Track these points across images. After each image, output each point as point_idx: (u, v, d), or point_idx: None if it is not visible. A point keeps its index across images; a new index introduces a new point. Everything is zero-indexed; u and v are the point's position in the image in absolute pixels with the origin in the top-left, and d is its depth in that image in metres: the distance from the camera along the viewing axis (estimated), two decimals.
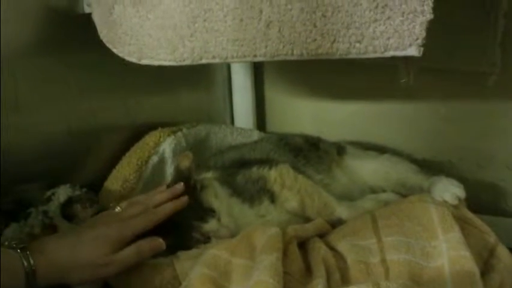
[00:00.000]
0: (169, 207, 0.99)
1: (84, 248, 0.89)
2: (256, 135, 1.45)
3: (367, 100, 1.42)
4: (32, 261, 0.83)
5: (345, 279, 0.91)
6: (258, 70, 1.53)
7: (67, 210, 1.06)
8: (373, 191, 1.23)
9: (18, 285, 0.82)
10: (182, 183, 1.02)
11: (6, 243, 0.86)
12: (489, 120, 1.27)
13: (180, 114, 1.42)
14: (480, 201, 1.25)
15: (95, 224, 0.96)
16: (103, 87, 1.23)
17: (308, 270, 0.93)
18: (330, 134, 1.38)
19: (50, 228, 1.02)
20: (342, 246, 0.97)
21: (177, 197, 1.01)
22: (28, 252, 0.84)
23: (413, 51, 0.81)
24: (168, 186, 1.05)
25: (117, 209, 1.01)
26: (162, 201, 1.00)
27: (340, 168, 1.25)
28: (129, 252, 0.91)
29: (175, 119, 1.35)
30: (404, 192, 1.18)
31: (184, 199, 1.00)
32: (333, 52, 0.86)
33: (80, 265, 0.88)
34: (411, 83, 1.29)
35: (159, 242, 0.95)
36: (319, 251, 0.96)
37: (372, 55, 0.84)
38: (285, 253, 0.92)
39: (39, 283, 0.84)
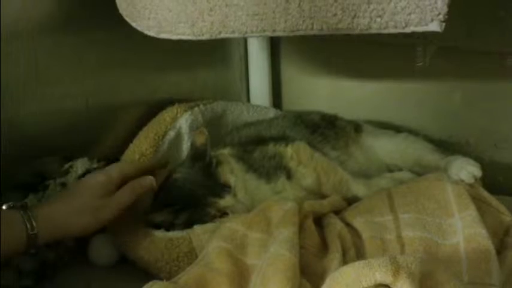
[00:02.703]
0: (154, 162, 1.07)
1: (76, 195, 0.93)
2: (272, 113, 1.44)
3: (384, 79, 1.41)
4: (32, 220, 0.85)
5: (361, 254, 0.92)
6: (275, 48, 1.52)
7: None
8: (390, 169, 1.23)
9: (21, 245, 0.84)
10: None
11: (5, 206, 0.88)
12: (508, 101, 1.25)
13: (197, 91, 1.43)
14: (497, 182, 1.25)
15: (85, 178, 1.00)
16: (121, 63, 1.24)
17: (324, 245, 0.93)
18: (347, 113, 1.37)
19: None
20: (358, 223, 0.97)
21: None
22: (29, 212, 0.86)
23: (435, 26, 0.80)
24: (184, 162, 1.06)
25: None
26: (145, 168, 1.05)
27: (356, 146, 1.25)
28: (122, 192, 0.96)
29: (192, 96, 1.36)
30: (420, 171, 1.18)
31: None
32: (353, 27, 0.86)
33: (76, 212, 0.90)
34: (428, 64, 1.29)
35: (150, 179, 0.99)
36: (335, 226, 0.96)
37: (392, 30, 0.83)
38: (301, 228, 0.92)
39: (41, 240, 0.86)
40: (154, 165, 1.08)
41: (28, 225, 0.84)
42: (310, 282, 0.81)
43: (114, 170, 0.98)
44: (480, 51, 1.22)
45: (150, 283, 0.80)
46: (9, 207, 0.88)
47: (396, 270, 0.65)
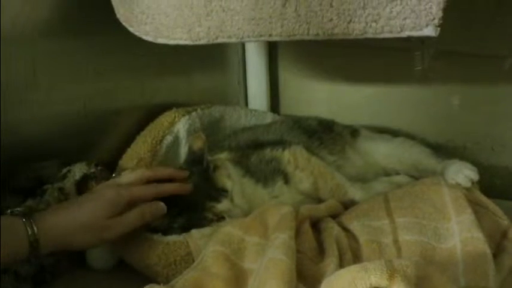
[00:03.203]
0: (173, 186, 1.00)
1: (84, 211, 0.90)
2: (270, 117, 1.45)
3: (381, 84, 1.42)
4: (34, 228, 0.84)
5: (357, 258, 0.92)
6: (272, 52, 1.53)
7: (82, 187, 1.07)
8: (387, 173, 1.24)
9: (22, 252, 0.83)
10: (187, 171, 1.03)
11: (9, 211, 0.88)
12: (505, 105, 1.26)
13: (195, 95, 1.43)
14: (494, 185, 1.25)
15: (94, 190, 0.98)
16: (119, 68, 1.24)
17: (320, 250, 0.94)
18: (344, 117, 1.38)
19: None
20: (355, 227, 0.98)
21: (180, 180, 1.02)
22: (31, 220, 0.85)
23: (430, 31, 0.80)
24: (181, 167, 1.06)
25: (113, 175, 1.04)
26: (164, 174, 1.02)
27: (353, 150, 1.25)
28: (131, 215, 0.93)
29: (189, 100, 1.35)
30: (417, 175, 1.19)
31: (189, 187, 1.00)
32: (349, 32, 0.86)
33: (81, 229, 0.89)
34: (426, 68, 1.29)
35: (161, 206, 0.97)
36: (331, 230, 0.97)
37: (388, 35, 0.84)
38: (298, 232, 0.93)
39: (43, 250, 0.85)
40: (166, 174, 1.03)
41: (30, 232, 0.83)
42: (306, 287, 0.82)
43: (126, 190, 0.95)
44: (477, 55, 1.23)
45: (147, 286, 0.80)
46: (12, 214, 0.87)
47: (391, 273, 0.65)
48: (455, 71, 1.28)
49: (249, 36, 0.95)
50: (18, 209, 0.89)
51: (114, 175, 1.08)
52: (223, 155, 1.13)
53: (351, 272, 0.68)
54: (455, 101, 1.31)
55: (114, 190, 0.94)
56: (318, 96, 1.52)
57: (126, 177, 1.00)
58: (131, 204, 0.94)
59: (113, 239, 0.93)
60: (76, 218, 0.89)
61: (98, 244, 0.94)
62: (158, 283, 0.83)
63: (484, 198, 1.02)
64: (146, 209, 0.95)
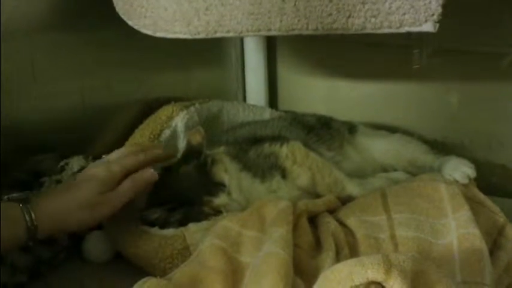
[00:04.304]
0: (158, 151, 1.03)
1: (77, 190, 0.91)
2: (268, 112, 1.44)
3: (379, 80, 1.42)
4: (32, 214, 0.84)
5: (354, 253, 0.92)
6: (271, 48, 1.53)
7: None
8: (384, 169, 1.24)
9: (20, 238, 0.84)
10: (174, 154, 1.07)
11: (7, 197, 0.88)
12: (502, 102, 1.26)
13: (193, 90, 1.43)
14: (491, 183, 1.26)
15: (85, 171, 0.98)
16: (117, 62, 1.24)
17: (317, 244, 0.94)
18: (342, 114, 1.38)
19: None
20: (352, 222, 0.98)
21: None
22: (28, 205, 0.85)
23: (429, 27, 0.81)
24: (179, 160, 1.06)
25: (103, 157, 1.04)
26: (153, 153, 1.03)
27: (351, 147, 1.25)
28: (123, 187, 0.94)
29: (188, 95, 1.36)
30: (414, 171, 1.19)
31: (172, 154, 1.06)
32: (348, 27, 0.86)
33: (76, 206, 0.89)
34: (424, 65, 1.29)
35: (151, 172, 0.97)
36: (328, 225, 0.97)
37: (387, 30, 0.84)
38: (295, 226, 0.93)
39: (40, 234, 0.86)
40: (159, 156, 1.05)
41: (27, 218, 0.84)
42: (303, 281, 0.82)
43: (116, 165, 0.96)
44: (475, 52, 1.23)
45: (144, 279, 0.80)
46: (9, 199, 0.88)
47: (388, 268, 0.66)
48: (453, 68, 1.28)
49: (247, 31, 0.95)
50: (15, 195, 0.89)
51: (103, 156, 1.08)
52: (221, 150, 1.13)
53: (347, 266, 0.68)
54: (453, 98, 1.31)
55: (104, 167, 0.95)
56: (316, 93, 1.52)
57: (115, 153, 1.01)
58: (123, 178, 0.95)
59: (107, 215, 0.93)
60: (72, 198, 0.90)
61: (95, 222, 0.94)
62: (155, 276, 0.83)
63: (481, 195, 1.03)
64: (137, 177, 0.96)
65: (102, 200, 0.91)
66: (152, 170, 0.98)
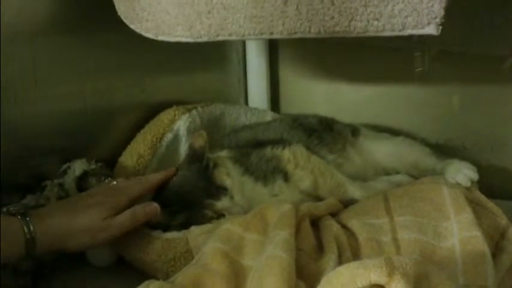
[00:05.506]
0: (160, 174, 1.04)
1: (81, 214, 0.91)
2: (270, 115, 1.45)
3: (381, 83, 1.42)
4: (31, 228, 0.84)
5: (357, 256, 0.92)
6: (273, 51, 1.53)
7: (82, 184, 1.07)
8: (387, 172, 1.23)
9: (19, 252, 0.84)
10: (175, 168, 1.06)
11: (6, 209, 0.88)
12: (504, 105, 1.26)
13: (195, 93, 1.43)
14: (493, 185, 1.25)
15: (92, 193, 0.98)
16: (119, 65, 1.24)
17: (320, 247, 0.94)
18: (344, 116, 1.38)
19: None
20: (354, 225, 0.98)
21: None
22: (28, 219, 0.85)
23: (432, 29, 0.80)
24: (181, 164, 1.07)
25: (113, 182, 1.04)
26: (158, 179, 1.04)
27: (354, 149, 1.25)
28: (124, 217, 0.94)
29: (190, 99, 1.36)
30: (417, 174, 1.19)
31: (173, 169, 1.05)
32: (350, 30, 0.86)
33: (78, 230, 0.90)
34: (426, 68, 1.29)
35: (154, 207, 0.97)
36: (331, 228, 0.97)
37: (389, 33, 0.84)
38: (298, 229, 0.93)
39: (39, 250, 0.85)
40: (163, 179, 1.05)
41: (27, 233, 0.84)
42: (306, 284, 0.82)
43: (124, 196, 0.96)
44: (477, 55, 1.23)
45: (147, 282, 0.80)
46: (9, 213, 0.87)
47: (391, 270, 0.66)
48: (455, 71, 1.29)
49: (250, 34, 0.95)
50: (15, 207, 0.89)
51: (107, 180, 1.08)
52: (223, 153, 1.13)
53: (350, 268, 0.68)
54: (455, 101, 1.31)
55: (111, 195, 0.96)
56: (318, 95, 1.52)
57: (122, 182, 1.02)
58: (128, 207, 0.96)
59: (107, 241, 0.94)
60: (73, 221, 0.90)
61: (93, 246, 0.95)
62: (157, 279, 0.83)
63: (483, 198, 1.02)
64: (139, 211, 0.96)
65: (102, 227, 0.91)
66: (156, 204, 0.98)
